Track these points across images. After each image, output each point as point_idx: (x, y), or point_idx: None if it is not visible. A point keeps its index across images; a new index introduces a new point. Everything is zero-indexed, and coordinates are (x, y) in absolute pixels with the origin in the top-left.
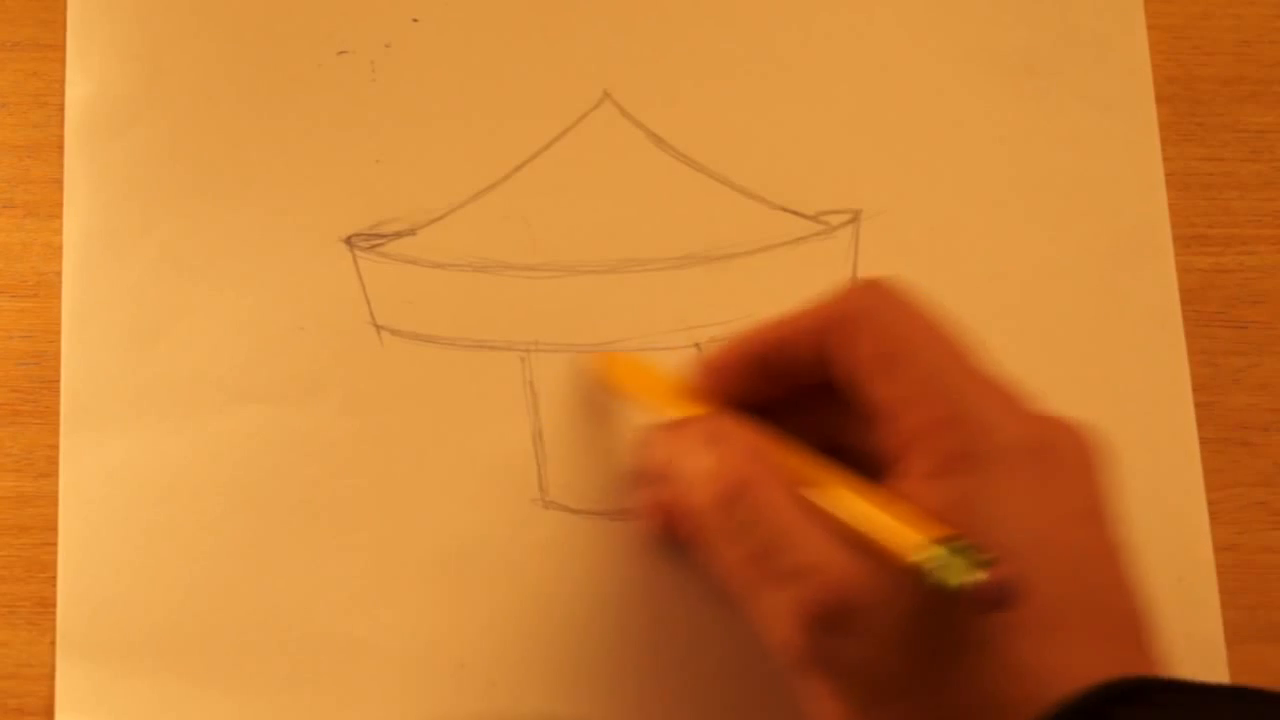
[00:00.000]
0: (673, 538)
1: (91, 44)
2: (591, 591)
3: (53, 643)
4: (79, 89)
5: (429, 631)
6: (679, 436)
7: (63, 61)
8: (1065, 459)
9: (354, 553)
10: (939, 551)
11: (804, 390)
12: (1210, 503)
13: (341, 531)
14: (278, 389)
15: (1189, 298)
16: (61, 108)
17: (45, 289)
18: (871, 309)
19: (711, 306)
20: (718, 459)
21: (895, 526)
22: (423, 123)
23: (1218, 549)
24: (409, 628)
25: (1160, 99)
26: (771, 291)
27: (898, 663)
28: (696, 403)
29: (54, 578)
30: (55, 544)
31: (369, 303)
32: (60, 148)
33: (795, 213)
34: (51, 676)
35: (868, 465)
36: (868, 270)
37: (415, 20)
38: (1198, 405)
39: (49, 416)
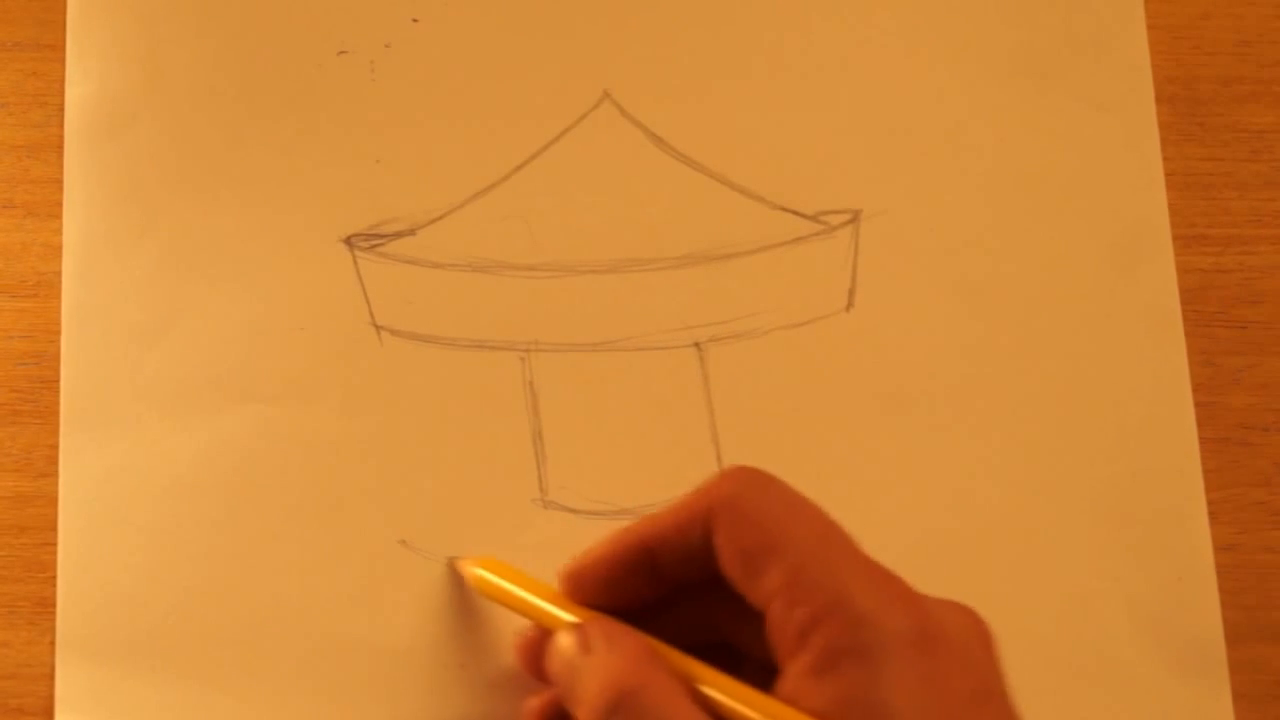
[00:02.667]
0: None
1: (91, 44)
2: None
3: (53, 643)
4: (79, 89)
5: (429, 631)
6: (555, 645)
7: (63, 61)
8: (952, 642)
9: (354, 553)
10: None
11: (684, 589)
12: (1210, 503)
13: (341, 531)
14: (278, 389)
15: (1189, 298)
16: (61, 108)
17: (45, 289)
18: (737, 499)
19: (711, 306)
20: (599, 666)
21: None
22: (423, 123)
23: (1218, 549)
24: (409, 628)
25: (1160, 99)
26: (771, 291)
27: None
28: (573, 608)
29: (54, 578)
30: (55, 544)
31: (369, 303)
32: (60, 148)
33: (795, 213)
34: (51, 676)
35: (761, 663)
36: (868, 270)
37: (415, 20)
38: (1198, 405)
39: (49, 416)
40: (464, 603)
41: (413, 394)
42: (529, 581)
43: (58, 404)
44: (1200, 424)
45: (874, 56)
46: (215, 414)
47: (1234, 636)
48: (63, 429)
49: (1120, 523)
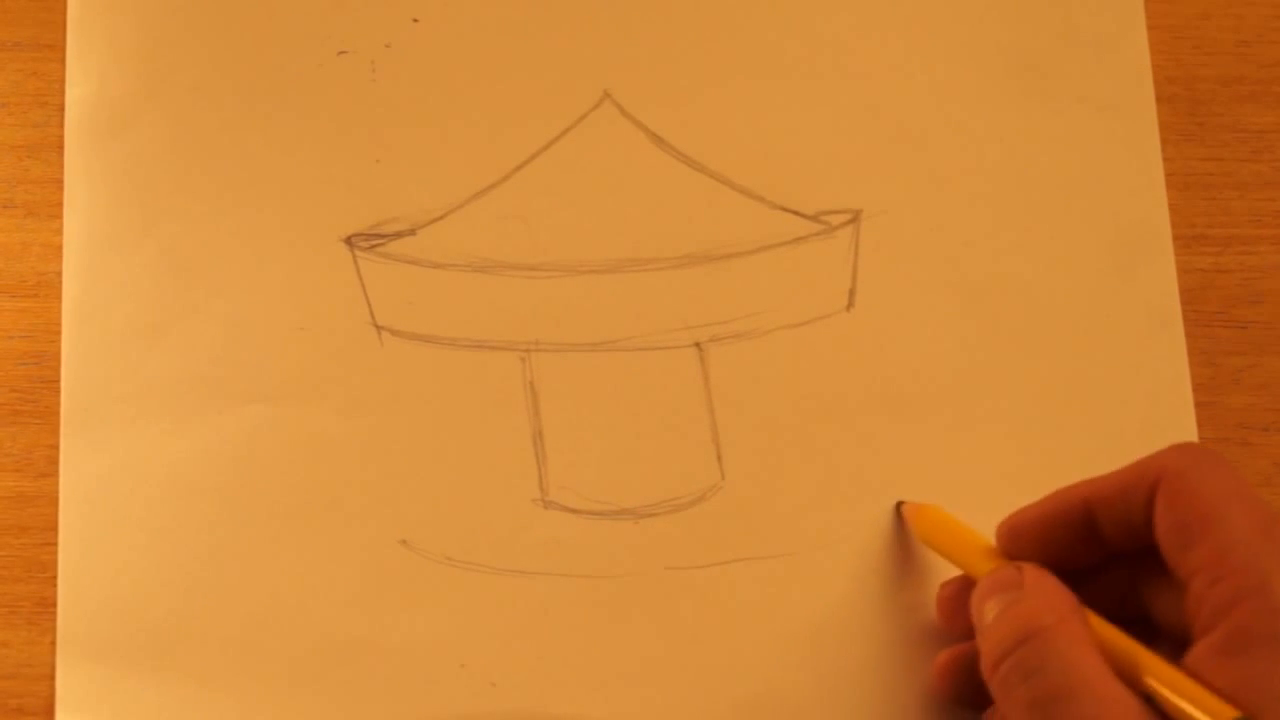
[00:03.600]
0: (964, 697)
1: (91, 44)
2: (591, 591)
3: (53, 643)
4: (79, 89)
5: (429, 631)
6: (985, 580)
7: (63, 61)
8: None
9: (354, 553)
10: None
11: (1112, 556)
12: None
13: (341, 531)
14: (278, 389)
15: (1189, 298)
16: (61, 108)
17: (45, 289)
18: (1179, 473)
19: (711, 306)
20: (1012, 603)
21: (1189, 700)
22: (423, 123)
23: None
24: (409, 628)
25: (1160, 99)
26: (771, 291)
27: None
28: (1000, 559)
29: (54, 578)
30: (55, 544)
31: (369, 303)
32: (60, 148)
33: (795, 213)
34: (51, 676)
35: (1176, 639)
36: (868, 270)
37: (415, 20)
38: (1198, 405)
39: (49, 416)
40: (464, 602)
41: (413, 394)
42: (967, 532)
43: (58, 404)
44: (1200, 424)
45: (874, 57)
46: (215, 414)
47: None
48: (63, 429)
49: None
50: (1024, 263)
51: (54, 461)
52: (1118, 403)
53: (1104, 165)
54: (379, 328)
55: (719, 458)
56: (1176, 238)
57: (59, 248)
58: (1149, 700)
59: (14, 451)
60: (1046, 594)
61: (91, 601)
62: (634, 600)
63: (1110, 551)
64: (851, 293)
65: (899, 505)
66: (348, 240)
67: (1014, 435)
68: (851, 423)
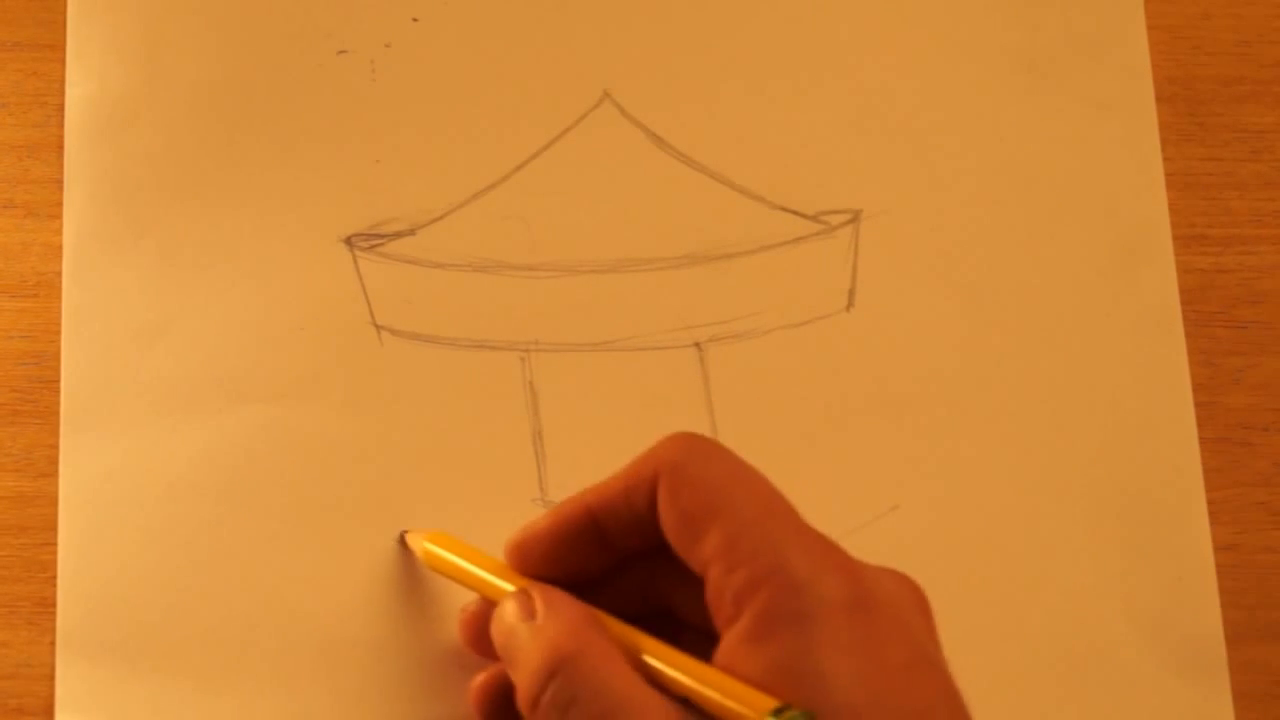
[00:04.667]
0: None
1: (91, 44)
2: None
3: (53, 643)
4: (79, 89)
5: (428, 631)
6: (499, 612)
7: (63, 61)
8: (888, 609)
9: (354, 553)
10: None
11: (628, 557)
12: (1210, 503)
13: (341, 531)
14: (278, 389)
15: (1189, 298)
16: (61, 108)
17: (45, 289)
18: (677, 466)
19: (711, 306)
20: (539, 631)
21: (726, 696)
22: (423, 123)
23: (1218, 549)
24: (408, 628)
25: (1160, 99)
26: (771, 291)
27: None
28: (518, 580)
29: (54, 578)
30: (55, 544)
31: (369, 303)
32: (60, 148)
33: (795, 213)
34: (51, 676)
35: (699, 629)
36: (868, 270)
37: (415, 20)
38: (1198, 405)
39: (49, 416)
40: (465, 602)
41: (413, 394)
42: (476, 554)
43: (58, 404)
44: (1200, 424)
45: (874, 57)
46: (215, 414)
47: (1234, 636)
48: (63, 429)
49: (1120, 523)
50: (1024, 263)
51: (54, 461)
52: (1118, 403)
53: (1104, 165)
54: (379, 327)
55: None
56: (1176, 238)
57: (59, 248)
58: (688, 703)
59: (14, 451)
60: (563, 617)
61: (91, 601)
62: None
63: (622, 554)
64: (851, 293)
65: (402, 535)
66: (348, 240)
67: (1014, 435)
68: (851, 422)
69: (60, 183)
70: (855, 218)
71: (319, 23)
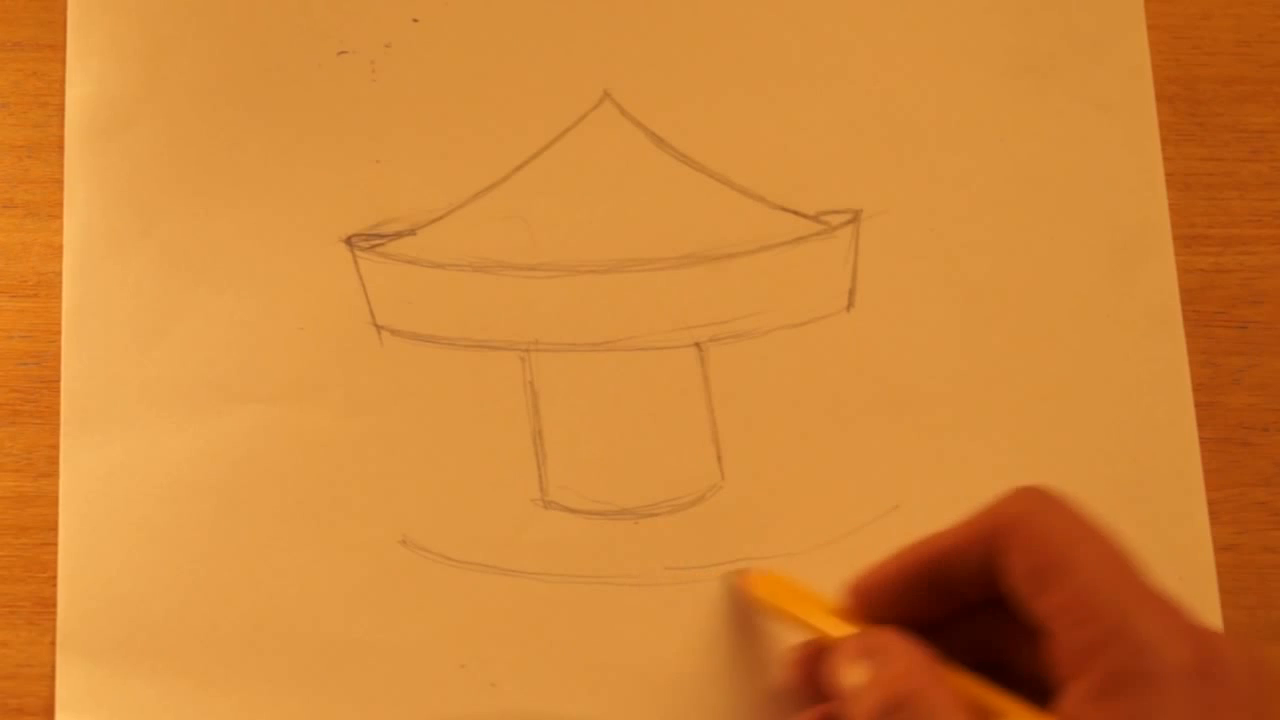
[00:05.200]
0: None
1: (91, 44)
2: (591, 591)
3: (53, 643)
4: (79, 89)
5: (429, 631)
6: (838, 653)
7: (63, 61)
8: (1233, 677)
9: (354, 553)
10: None
11: (964, 607)
12: (1210, 503)
13: (341, 531)
14: (278, 389)
15: (1189, 298)
16: (61, 108)
17: (45, 289)
18: (1027, 517)
19: (711, 306)
20: (878, 670)
21: None
22: (423, 123)
23: (1218, 549)
24: (409, 628)
25: (1160, 99)
26: (771, 291)
27: None
28: (851, 621)
29: (54, 578)
30: (55, 544)
31: (369, 303)
32: (60, 148)
33: (795, 213)
34: (51, 676)
35: (1034, 685)
36: (868, 270)
37: (415, 20)
38: (1198, 405)
39: (49, 416)
40: (464, 602)
41: (413, 394)
42: (810, 596)
43: (58, 404)
44: (1200, 424)
45: (874, 56)
46: (215, 414)
47: (1234, 636)
48: (63, 429)
49: (1120, 523)
50: (1024, 262)
51: (54, 461)
52: (1118, 403)
53: (1104, 165)
54: (379, 327)
55: (719, 458)
56: (1176, 238)
57: (59, 248)
58: None
59: (14, 451)
60: (909, 657)
61: (91, 601)
62: (633, 600)
63: (962, 603)
64: (851, 293)
65: (729, 576)
66: (348, 240)
67: (1014, 435)
68: (851, 422)
69: (60, 183)
70: (855, 218)
71: (319, 23)
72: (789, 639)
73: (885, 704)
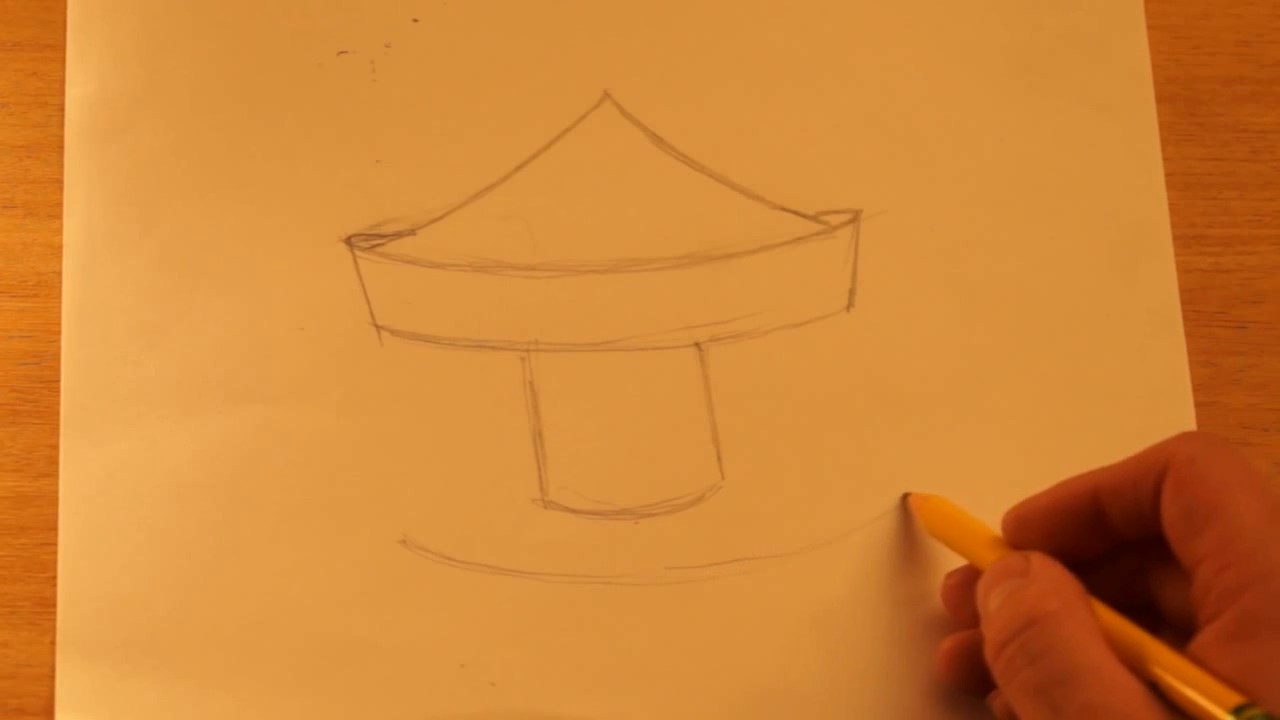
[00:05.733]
0: (969, 683)
1: (91, 44)
2: (591, 591)
3: (53, 643)
4: (79, 89)
5: (429, 631)
6: (986, 575)
7: (63, 61)
8: None
9: (354, 553)
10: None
11: (1119, 545)
12: None
13: (342, 531)
14: (278, 389)
15: (1189, 298)
16: (61, 108)
17: (45, 289)
18: (1188, 459)
19: (711, 306)
20: (1018, 589)
21: (1193, 687)
22: (423, 123)
23: None
24: (409, 628)
25: (1160, 99)
26: (771, 291)
27: None
28: (1009, 549)
29: (54, 578)
30: (55, 544)
31: (369, 303)
32: (60, 148)
33: (795, 213)
34: (51, 676)
35: (1183, 628)
36: (868, 270)
37: (415, 20)
38: (1198, 405)
39: (49, 416)
40: (464, 602)
41: (413, 394)
42: (971, 521)
43: (58, 404)
44: (1200, 424)
45: (874, 57)
46: (215, 414)
47: None
48: (63, 429)
49: None
50: (1024, 263)
51: (54, 461)
52: (1118, 403)
53: (1104, 165)
54: (379, 327)
55: (719, 458)
56: (1176, 238)
57: (59, 248)
58: (1153, 687)
59: (14, 451)
60: (1052, 580)
61: (91, 601)
62: (634, 600)
63: (1117, 540)
64: (851, 293)
65: (905, 496)
66: (348, 240)
67: (1014, 435)
68: (851, 422)
69: (60, 183)
70: (855, 218)
71: (319, 23)
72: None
73: (1019, 621)
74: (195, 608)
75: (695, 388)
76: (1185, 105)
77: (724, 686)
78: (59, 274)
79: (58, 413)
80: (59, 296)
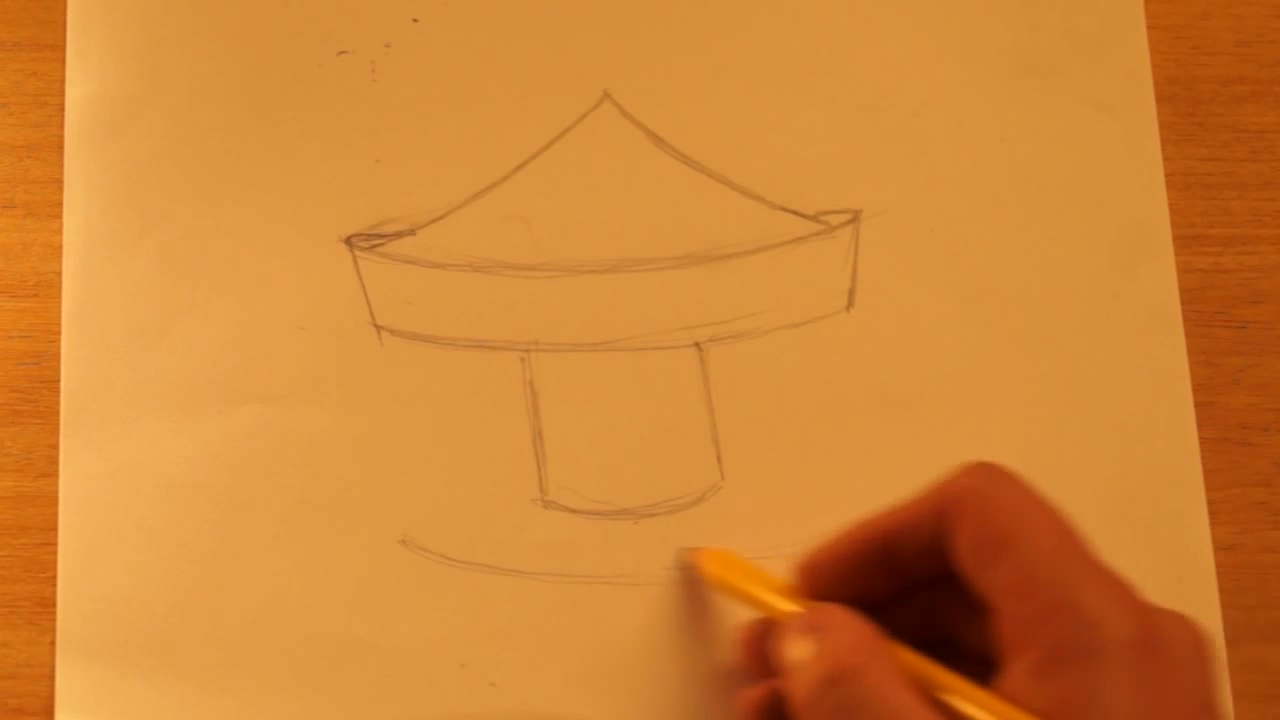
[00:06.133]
0: None
1: (91, 44)
2: (591, 591)
3: (53, 643)
4: (79, 89)
5: (429, 631)
6: (784, 629)
7: (63, 61)
8: (1175, 652)
9: (354, 553)
10: None
11: (914, 584)
12: (1210, 503)
13: (342, 531)
14: (278, 389)
15: (1189, 298)
16: (61, 108)
17: (45, 289)
18: (975, 492)
19: (711, 306)
20: (821, 645)
21: None
22: (423, 123)
23: (1218, 549)
24: (409, 628)
25: (1160, 99)
26: (771, 291)
27: None
28: (800, 599)
29: (54, 578)
30: (55, 544)
31: (369, 303)
32: (60, 148)
33: (795, 213)
34: (51, 676)
35: (983, 663)
36: (868, 270)
37: (415, 20)
38: (1198, 405)
39: (49, 416)
40: (464, 602)
41: (413, 394)
42: (760, 575)
43: (58, 404)
44: (1200, 424)
45: (874, 56)
46: (215, 414)
47: (1234, 636)
48: (63, 429)
49: (1120, 523)
50: (1024, 263)
51: (54, 461)
52: (1118, 403)
53: (1104, 165)
54: (379, 327)
55: (719, 458)
56: (1176, 238)
57: (59, 248)
58: None
59: (14, 451)
60: (853, 632)
61: (91, 601)
62: (634, 600)
63: (912, 580)
64: (851, 293)
65: (680, 553)
66: (348, 240)
67: (1014, 435)
68: (851, 422)
69: (60, 183)
70: (855, 218)
71: (319, 23)
72: (740, 617)
73: (826, 677)
74: (195, 608)
75: (695, 388)
76: (1185, 105)
77: (724, 686)
78: (59, 274)
79: (58, 413)
80: (59, 296)
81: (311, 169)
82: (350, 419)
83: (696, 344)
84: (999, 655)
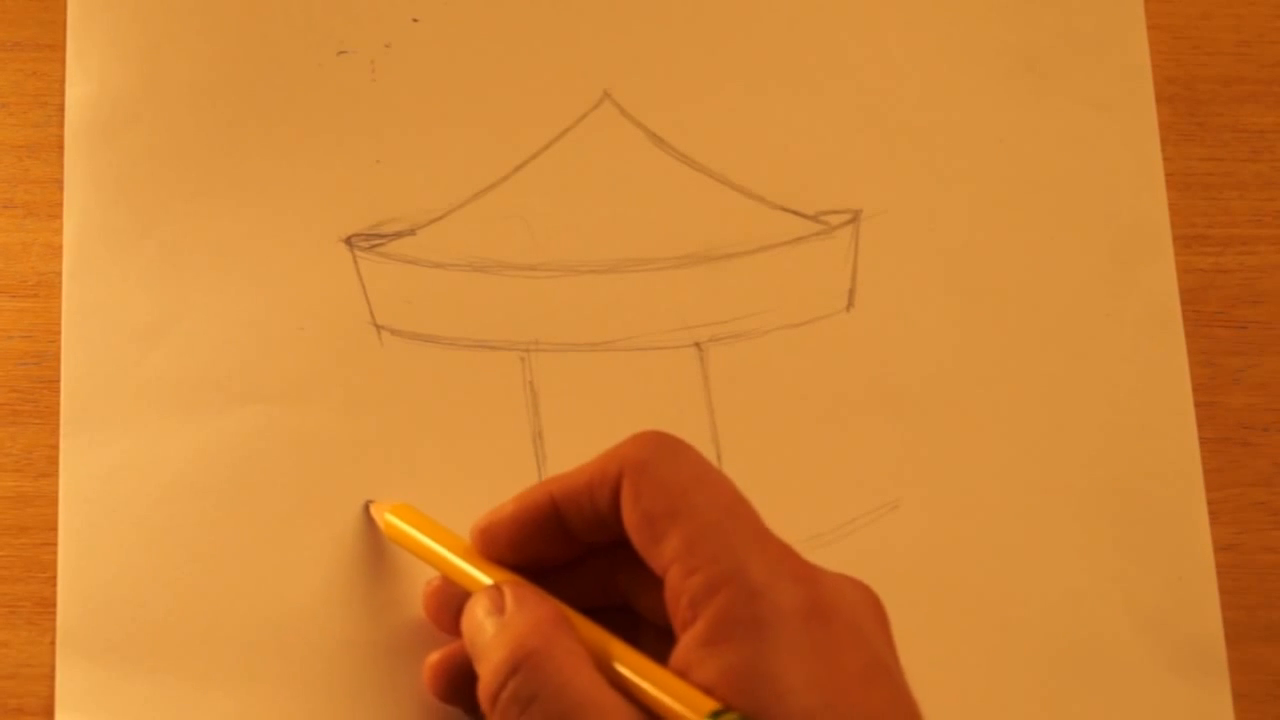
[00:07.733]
0: (464, 701)
1: (91, 44)
2: None
3: (53, 643)
4: (79, 89)
5: (429, 632)
6: (468, 606)
7: (63, 61)
8: (845, 616)
9: (354, 553)
10: None
11: (590, 549)
12: (1210, 503)
13: (342, 532)
14: (278, 389)
15: (1189, 298)
16: (61, 108)
17: (45, 289)
18: (642, 465)
19: (711, 306)
20: (507, 625)
21: (675, 697)
22: (423, 123)
23: (1218, 549)
24: (409, 628)
25: (1160, 99)
26: (771, 291)
27: None
28: (484, 564)
29: (54, 578)
30: (55, 544)
31: (369, 303)
32: (60, 148)
33: (795, 213)
34: (51, 676)
35: (658, 627)
36: (868, 270)
37: (415, 20)
38: (1198, 405)
39: (49, 416)
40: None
41: (413, 394)
42: (442, 532)
43: (58, 404)
44: (1200, 424)
45: (874, 56)
46: (215, 414)
47: (1234, 636)
48: (63, 429)
49: (1120, 523)
50: (1024, 262)
51: (54, 461)
52: (1118, 403)
53: (1104, 165)
54: (379, 327)
55: (719, 458)
56: (1176, 238)
57: (59, 248)
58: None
59: (14, 451)
60: (531, 614)
61: (91, 601)
62: None
63: (586, 547)
64: (851, 293)
65: (366, 505)
66: (348, 240)
67: (1013, 435)
68: (851, 422)
69: (60, 183)
70: (855, 218)
71: (319, 23)
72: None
73: (508, 663)
74: (195, 607)
75: (695, 388)
76: (1185, 105)
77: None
78: (59, 274)
79: (58, 413)
80: (59, 296)
81: (311, 169)
82: (350, 419)
83: (696, 344)
84: (674, 627)
